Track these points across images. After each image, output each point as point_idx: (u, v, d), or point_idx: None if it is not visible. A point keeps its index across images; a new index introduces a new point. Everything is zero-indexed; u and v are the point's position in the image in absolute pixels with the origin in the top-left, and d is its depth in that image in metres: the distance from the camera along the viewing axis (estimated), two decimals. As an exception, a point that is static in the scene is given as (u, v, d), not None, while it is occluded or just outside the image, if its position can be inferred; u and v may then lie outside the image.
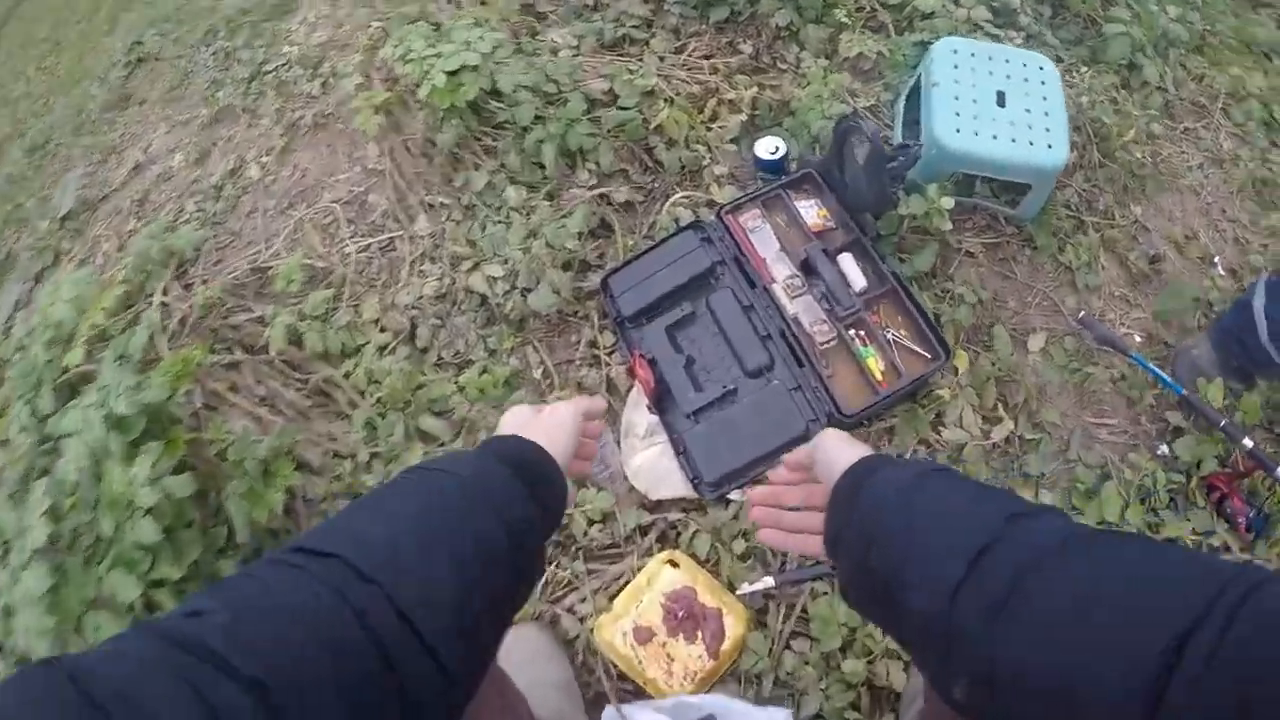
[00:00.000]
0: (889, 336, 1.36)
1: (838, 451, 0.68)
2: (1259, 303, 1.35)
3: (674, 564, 1.23)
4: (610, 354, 1.49)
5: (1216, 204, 1.77)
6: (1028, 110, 1.48)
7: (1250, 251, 1.70)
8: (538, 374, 1.49)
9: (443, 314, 1.59)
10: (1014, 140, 1.44)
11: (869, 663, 1.15)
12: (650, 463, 1.33)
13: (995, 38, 1.76)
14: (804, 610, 1.22)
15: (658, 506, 1.33)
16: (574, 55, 1.77)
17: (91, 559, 1.05)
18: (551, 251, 1.50)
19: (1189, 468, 1.37)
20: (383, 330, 1.56)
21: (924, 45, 1.77)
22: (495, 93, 1.66)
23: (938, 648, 0.50)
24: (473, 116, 1.68)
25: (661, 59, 1.82)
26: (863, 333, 1.36)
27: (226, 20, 2.40)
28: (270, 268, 1.68)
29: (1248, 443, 1.27)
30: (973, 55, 1.53)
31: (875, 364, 1.33)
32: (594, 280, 1.54)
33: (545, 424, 0.72)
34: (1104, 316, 1.57)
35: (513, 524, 0.57)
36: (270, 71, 2.14)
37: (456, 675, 0.48)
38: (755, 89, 1.76)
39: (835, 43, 1.85)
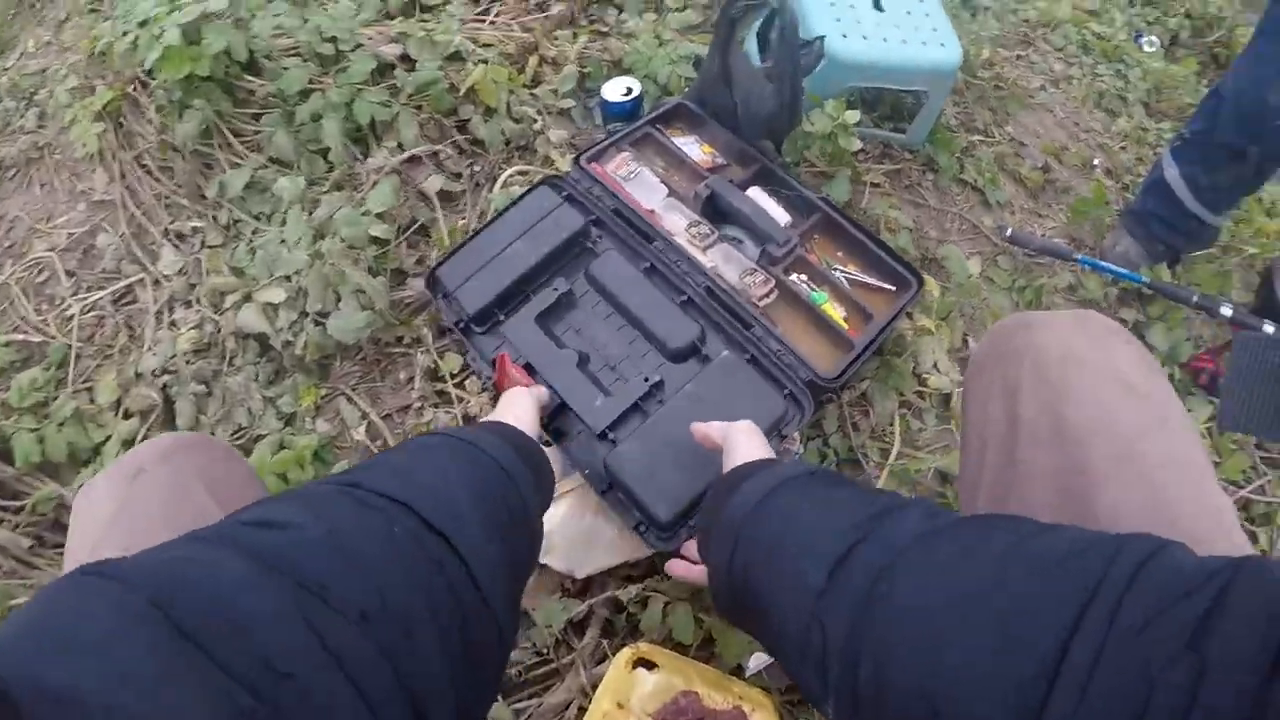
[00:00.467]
0: (839, 274, 1.04)
1: (739, 451, 0.67)
2: (1172, 173, 1.28)
3: (648, 664, 0.79)
4: (462, 382, 1.04)
5: (1070, 118, 1.72)
6: (908, 12, 1.29)
7: (1115, 154, 1.66)
8: (360, 434, 1.00)
9: (208, 374, 1.07)
10: (905, 42, 1.23)
11: None
12: (562, 527, 0.88)
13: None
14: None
15: (588, 587, 0.89)
16: (354, 16, 1.35)
17: None
18: (351, 251, 1.04)
19: (1165, 358, 1.27)
20: (127, 415, 1.07)
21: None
22: (250, 65, 1.20)
23: (809, 662, 0.44)
24: (223, 96, 1.20)
25: (463, 21, 1.45)
26: (805, 275, 1.03)
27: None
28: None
29: (1226, 310, 1.16)
30: (832, -39, 1.32)
31: (834, 309, 1.00)
32: (417, 288, 1.09)
33: (515, 413, 0.70)
34: (1022, 230, 1.41)
35: (530, 505, 0.56)
36: None
37: (507, 630, 0.47)
38: (582, 42, 1.44)
39: (659, -1, 1.60)
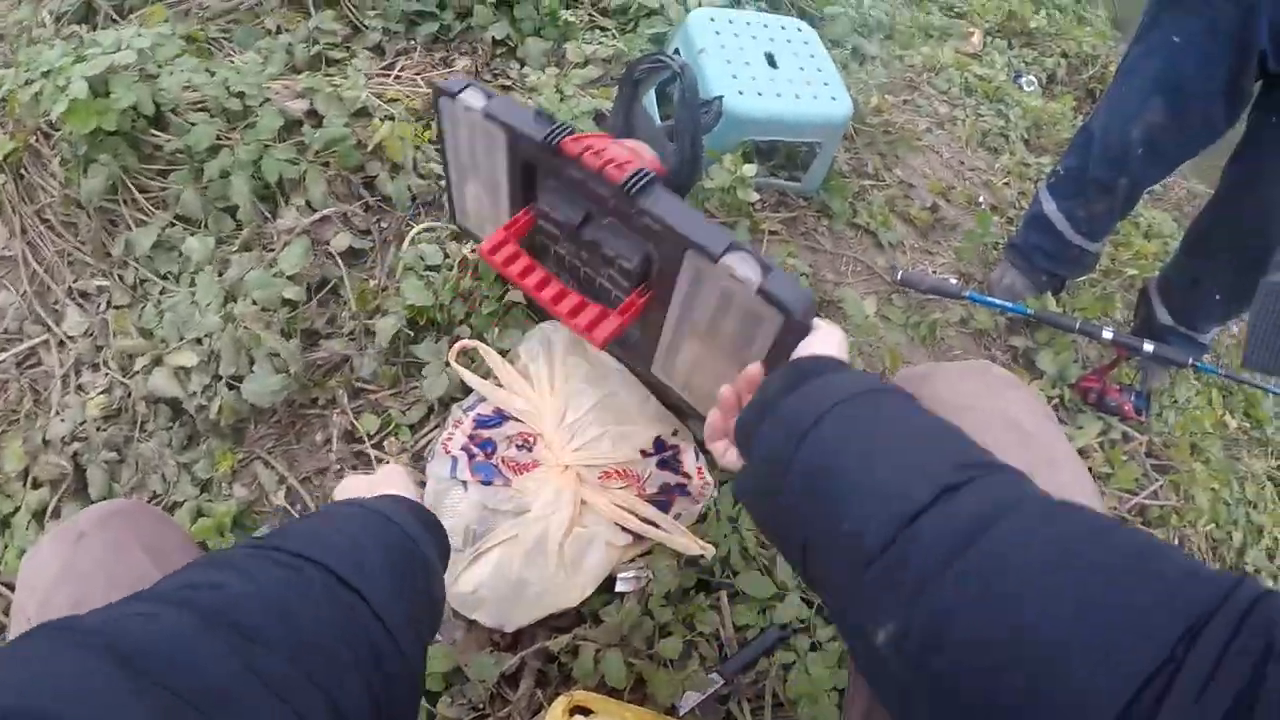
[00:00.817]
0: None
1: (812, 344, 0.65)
2: (1050, 207, 1.41)
3: (583, 710, 0.82)
4: (380, 443, 1.06)
5: (955, 157, 1.88)
6: (800, 68, 1.39)
7: (999, 190, 1.82)
8: (279, 498, 1.01)
9: (119, 441, 1.06)
10: (798, 97, 1.34)
11: None
12: (491, 581, 0.91)
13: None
14: (776, 696, 0.88)
15: (518, 640, 0.92)
16: (261, 70, 1.36)
17: None
18: (264, 314, 1.05)
19: (1054, 380, 1.40)
20: (36, 485, 1.05)
21: (660, 39, 1.66)
22: (158, 120, 1.20)
23: (870, 581, 0.42)
24: (130, 151, 1.19)
25: (369, 76, 1.48)
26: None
27: None
28: None
29: (1107, 334, 1.28)
30: (730, 22, 1.43)
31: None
32: (331, 349, 1.10)
33: (396, 485, 0.70)
34: (913, 269, 1.54)
35: (433, 567, 0.58)
36: None
37: (419, 676, 0.52)
38: (490, 97, 1.49)
39: (561, 52, 1.68)
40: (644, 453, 0.95)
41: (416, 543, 0.57)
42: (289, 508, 1.01)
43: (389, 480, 0.71)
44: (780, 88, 1.34)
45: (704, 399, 0.91)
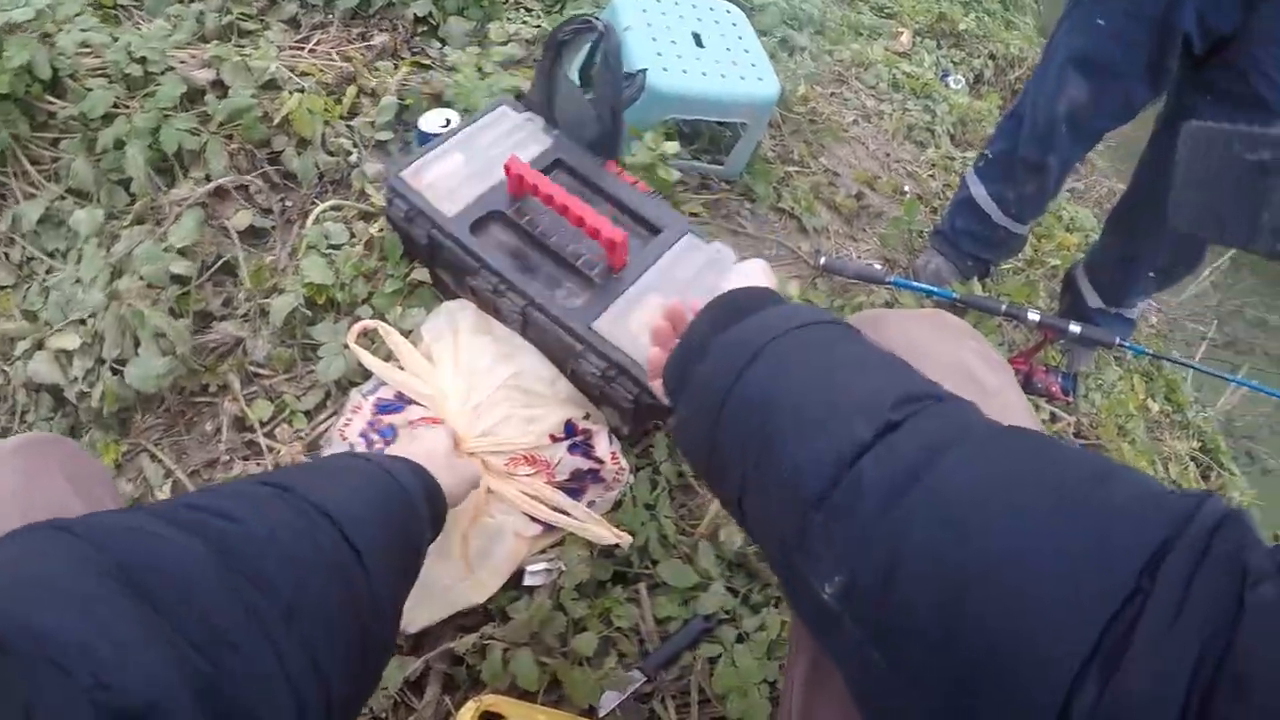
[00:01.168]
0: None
1: (741, 277, 0.62)
2: (979, 191, 1.43)
3: (494, 715, 0.76)
4: (272, 431, 0.98)
5: (881, 149, 1.90)
6: (728, 49, 1.37)
7: (925, 182, 1.84)
8: (166, 493, 0.92)
9: None
10: (724, 76, 1.31)
11: None
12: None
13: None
14: (703, 691, 0.84)
15: (421, 643, 0.85)
16: (167, 36, 1.26)
17: None
18: (150, 290, 0.96)
19: None
20: None
21: (591, 15, 1.63)
22: (54, 85, 1.11)
23: (813, 528, 0.39)
24: (21, 117, 1.10)
25: (281, 49, 1.39)
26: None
27: None
28: None
29: (1034, 316, 1.30)
30: (658, 1, 1.40)
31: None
32: (224, 331, 1.02)
33: (428, 445, 0.75)
34: (838, 254, 1.54)
35: (424, 538, 0.61)
36: None
37: (391, 641, 0.52)
38: (402, 73, 1.43)
39: (484, 31, 1.63)
40: (554, 437, 0.89)
41: (416, 511, 0.58)
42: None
43: (423, 435, 0.76)
44: (706, 67, 1.31)
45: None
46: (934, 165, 1.92)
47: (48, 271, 1.08)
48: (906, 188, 1.78)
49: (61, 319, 1.01)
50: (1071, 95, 1.22)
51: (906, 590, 0.34)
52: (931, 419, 0.40)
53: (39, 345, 0.99)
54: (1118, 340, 1.30)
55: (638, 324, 0.92)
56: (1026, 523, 0.33)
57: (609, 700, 0.81)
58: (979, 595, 0.32)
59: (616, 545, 0.88)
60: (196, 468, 0.95)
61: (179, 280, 1.04)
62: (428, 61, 1.55)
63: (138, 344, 0.96)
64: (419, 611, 0.83)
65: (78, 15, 1.19)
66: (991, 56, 2.54)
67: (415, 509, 0.59)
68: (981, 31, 2.64)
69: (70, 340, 0.97)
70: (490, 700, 0.77)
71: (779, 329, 0.49)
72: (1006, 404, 0.55)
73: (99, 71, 1.15)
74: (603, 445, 0.91)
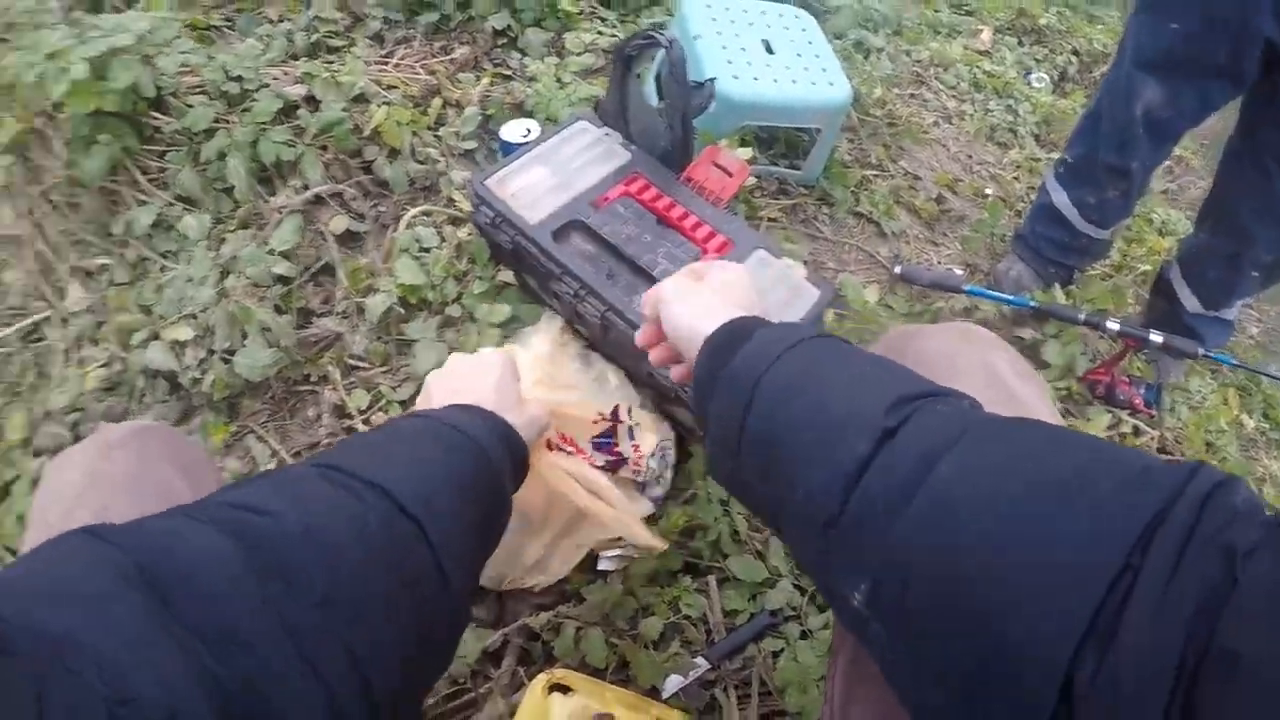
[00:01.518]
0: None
1: (691, 317, 0.59)
2: (1060, 198, 1.41)
3: (563, 688, 0.82)
4: (369, 418, 1.07)
5: (963, 151, 1.89)
6: (798, 55, 1.41)
7: (1007, 184, 1.82)
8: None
9: (117, 412, 1.11)
10: (795, 82, 1.35)
11: None
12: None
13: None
14: (764, 683, 0.88)
15: (501, 617, 0.92)
16: (260, 55, 1.39)
17: None
18: (256, 289, 1.07)
19: (1062, 371, 1.39)
20: (36, 453, 1.09)
21: (659, 28, 1.69)
22: (158, 102, 1.25)
23: (834, 546, 0.42)
24: (130, 132, 1.23)
25: (367, 63, 1.51)
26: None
27: None
28: None
29: (1113, 325, 1.28)
30: (727, 9, 1.45)
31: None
32: (324, 326, 1.12)
33: (492, 382, 0.71)
34: (918, 259, 1.54)
35: (506, 490, 0.61)
36: None
37: (463, 613, 0.52)
38: (485, 83, 1.52)
39: (561, 42, 1.71)
40: (600, 416, 0.94)
41: (490, 461, 0.56)
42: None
43: (485, 368, 0.72)
44: (777, 73, 1.35)
45: None
46: (1018, 167, 1.89)
47: (161, 270, 1.21)
48: (989, 190, 1.76)
49: (175, 313, 1.13)
50: (1146, 98, 1.21)
51: (920, 592, 0.37)
52: (929, 418, 0.42)
53: (155, 336, 1.12)
54: (1201, 352, 1.26)
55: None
56: (1018, 512, 0.35)
57: (672, 684, 0.85)
58: (980, 590, 0.34)
59: (664, 549, 0.90)
60: (299, 449, 1.06)
61: (282, 280, 1.15)
62: (508, 72, 1.64)
63: (245, 336, 1.07)
64: (510, 575, 0.90)
65: (175, 39, 1.31)
66: (1075, 53, 2.47)
67: (489, 461, 0.57)
68: (1064, 26, 2.57)
69: (183, 332, 1.09)
70: (560, 674, 0.83)
71: (767, 360, 0.50)
72: (1036, 415, 0.56)
73: (199, 89, 1.28)
74: (625, 442, 0.95)
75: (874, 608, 0.39)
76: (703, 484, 1.01)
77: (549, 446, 0.89)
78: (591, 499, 0.87)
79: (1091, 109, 1.35)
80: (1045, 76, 2.30)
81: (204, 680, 0.31)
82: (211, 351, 1.05)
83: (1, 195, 1.31)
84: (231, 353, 1.05)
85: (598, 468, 0.91)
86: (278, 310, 1.08)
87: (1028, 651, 0.32)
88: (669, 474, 1.00)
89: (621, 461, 0.95)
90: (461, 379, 0.73)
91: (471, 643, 0.88)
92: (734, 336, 0.55)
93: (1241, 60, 1.12)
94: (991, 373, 0.59)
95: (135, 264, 1.22)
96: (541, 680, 0.82)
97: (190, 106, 1.22)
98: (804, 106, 1.35)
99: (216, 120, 1.24)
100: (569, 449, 0.91)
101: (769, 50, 1.40)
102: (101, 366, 1.11)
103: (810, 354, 0.50)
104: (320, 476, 0.46)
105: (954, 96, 2.07)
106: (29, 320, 1.22)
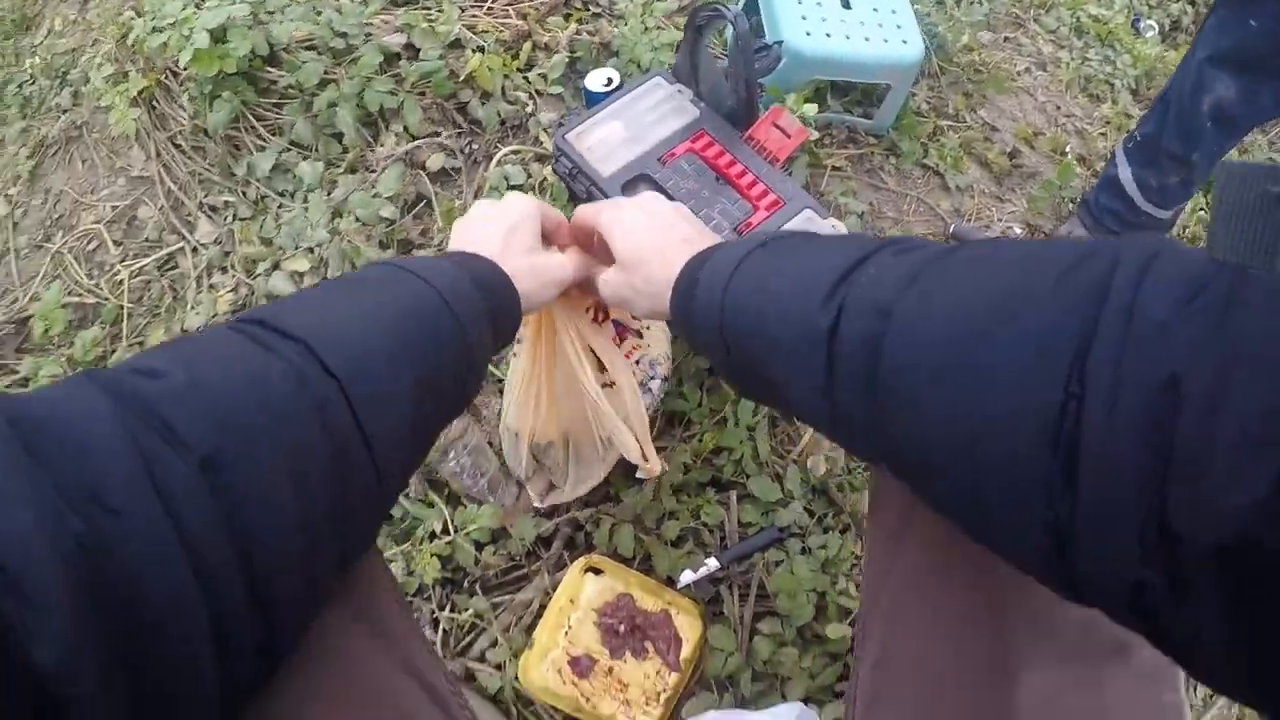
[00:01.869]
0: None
1: (650, 253, 0.65)
2: (1125, 173, 1.43)
3: (596, 571, 1.03)
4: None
5: (1051, 102, 1.88)
6: (875, 9, 1.46)
7: (1093, 140, 1.81)
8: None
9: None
10: (868, 39, 1.41)
11: (849, 624, 1.02)
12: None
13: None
14: (762, 587, 1.06)
15: (554, 510, 1.13)
16: (362, 6, 1.56)
17: None
18: (364, 228, 1.27)
19: None
20: None
21: (716, 6, 1.74)
22: (272, 58, 1.44)
23: (838, 426, 0.46)
24: (248, 87, 1.43)
25: (462, 9, 1.65)
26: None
27: (-40, 48, 1.98)
28: (31, 315, 1.41)
29: None
30: (805, -41, 1.50)
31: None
32: (423, 257, 1.33)
33: (510, 218, 0.69)
34: (980, 215, 1.59)
35: (473, 358, 0.55)
36: (13, 92, 1.82)
37: (390, 481, 0.48)
38: (572, 28, 1.64)
39: (648, -22, 1.79)
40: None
41: (456, 318, 0.52)
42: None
43: (502, 211, 0.70)
44: (850, 29, 1.42)
45: None
46: (1107, 123, 1.87)
47: (279, 208, 1.42)
48: (1069, 147, 1.77)
49: (292, 247, 1.34)
50: (1219, 93, 1.23)
51: (911, 447, 0.40)
52: (857, 299, 0.43)
53: (276, 266, 1.33)
54: None
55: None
56: (964, 362, 0.36)
57: (685, 577, 1.04)
58: (954, 464, 0.37)
59: (648, 470, 0.95)
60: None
61: (385, 219, 1.35)
62: (598, 9, 1.75)
63: (353, 265, 1.28)
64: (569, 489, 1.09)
65: (286, 7, 1.46)
66: (1191, 1, 2.33)
67: (449, 313, 0.52)
68: (1180, -31, 2.41)
69: (302, 264, 1.30)
70: (595, 559, 1.03)
71: (728, 268, 0.54)
72: None
73: (308, 45, 1.45)
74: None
75: (886, 458, 0.44)
76: (731, 410, 1.17)
77: (596, 316, 0.93)
78: (599, 396, 0.86)
79: (1165, 90, 1.36)
80: (1155, 24, 2.20)
81: (59, 541, 0.29)
82: (325, 279, 1.27)
83: (132, 140, 1.55)
84: (343, 279, 1.27)
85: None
86: (381, 245, 1.29)
87: (1008, 502, 0.34)
88: (656, 388, 1.07)
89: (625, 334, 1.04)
90: (475, 223, 0.70)
91: (528, 528, 1.09)
92: (694, 269, 0.59)
93: None
94: None
95: (256, 201, 1.44)
96: (580, 562, 1.03)
97: (302, 63, 1.40)
98: (875, 64, 1.41)
99: (326, 73, 1.41)
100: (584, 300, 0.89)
101: (846, 5, 1.46)
102: (230, 291, 1.35)
103: (756, 260, 0.54)
104: (237, 332, 0.43)
105: (1052, 41, 2.03)
106: (164, 251, 1.45)
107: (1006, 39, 1.99)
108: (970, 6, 1.94)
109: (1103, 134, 1.84)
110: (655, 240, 0.66)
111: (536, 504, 1.08)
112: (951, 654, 0.51)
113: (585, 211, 0.74)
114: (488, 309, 0.58)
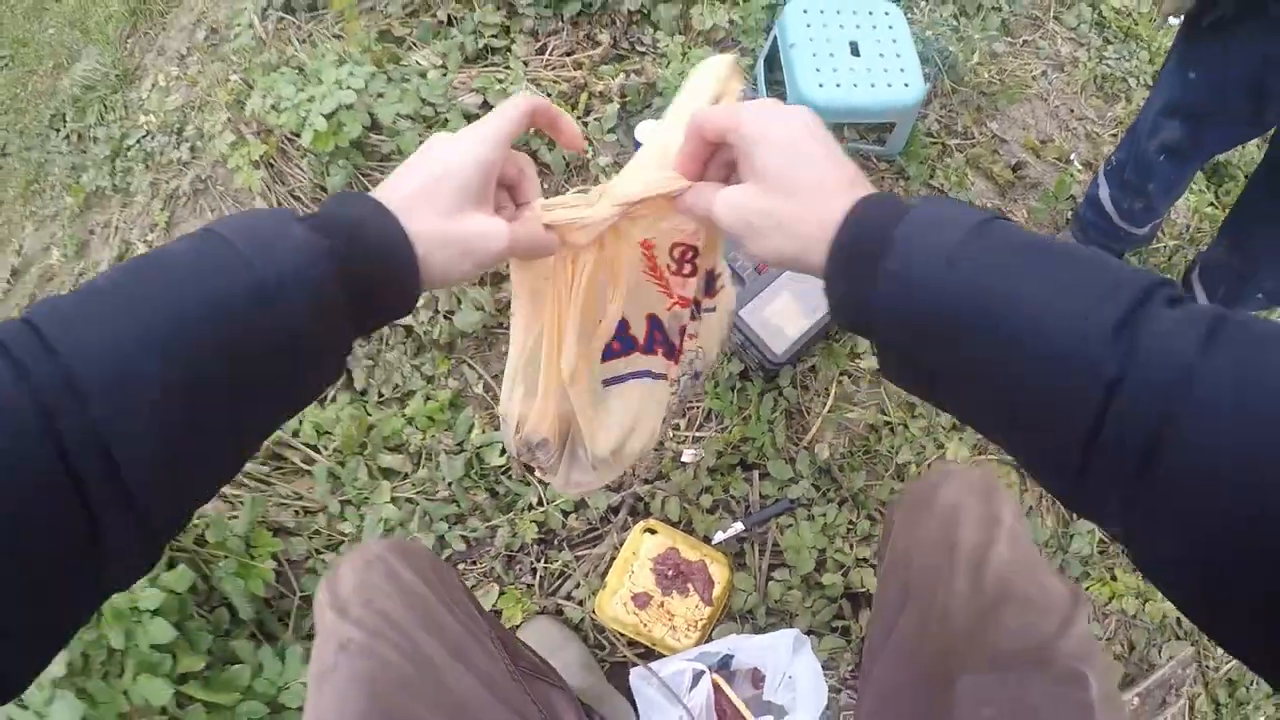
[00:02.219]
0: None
1: (809, 181, 0.51)
2: (1104, 193, 1.65)
3: (652, 531, 1.42)
4: (547, 355, 1.67)
5: (1064, 105, 2.07)
6: (881, 55, 1.73)
7: (1102, 144, 2.01)
8: (479, 389, 1.65)
9: (373, 354, 1.72)
10: (873, 85, 1.69)
11: (843, 575, 1.38)
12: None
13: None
14: (775, 544, 1.43)
15: (621, 484, 1.52)
16: (442, 74, 1.93)
17: (110, 673, 1.09)
18: (469, 270, 1.67)
19: None
20: None
21: (772, 7, 2.00)
22: (375, 127, 1.82)
23: (1067, 425, 0.40)
24: (358, 154, 1.83)
25: (526, 64, 1.99)
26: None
27: (72, 100, 2.42)
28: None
29: None
30: (821, 12, 1.77)
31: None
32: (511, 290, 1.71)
33: (420, 188, 0.54)
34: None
35: (303, 336, 0.45)
36: (132, 145, 2.17)
37: (158, 533, 0.43)
38: (622, 76, 1.96)
39: (688, 18, 2.07)
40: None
41: (274, 302, 0.43)
42: (484, 395, 1.65)
43: (438, 148, 0.57)
44: (858, 77, 1.69)
45: None
46: (1119, 124, 2.03)
47: None
48: (1074, 155, 1.97)
49: None
50: (1165, 138, 1.40)
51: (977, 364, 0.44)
52: (1154, 351, 0.39)
53: None
54: None
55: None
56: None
57: (718, 536, 1.42)
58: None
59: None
60: (497, 373, 1.67)
61: (482, 265, 1.73)
62: (643, 49, 2.05)
63: (459, 302, 1.67)
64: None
65: (380, 96, 1.79)
66: None
67: (263, 296, 0.43)
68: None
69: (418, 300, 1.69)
70: (651, 523, 1.42)
71: (942, 250, 0.45)
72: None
73: (405, 115, 1.81)
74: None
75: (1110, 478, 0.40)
76: (754, 408, 1.52)
77: (682, 265, 0.75)
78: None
79: (1136, 121, 1.52)
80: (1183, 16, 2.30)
81: None
82: (437, 311, 1.67)
83: (254, 193, 1.87)
84: (451, 312, 1.66)
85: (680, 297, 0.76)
86: (481, 283, 1.68)
87: (1070, 391, 0.40)
88: (694, 382, 0.93)
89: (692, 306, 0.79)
90: (406, 166, 0.57)
91: (601, 500, 1.48)
92: (878, 220, 0.48)
93: (1263, 110, 1.25)
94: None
95: (367, 249, 1.84)
96: (640, 525, 1.42)
97: (400, 131, 1.78)
98: (879, 108, 1.68)
99: (419, 139, 1.79)
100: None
101: (855, 53, 1.72)
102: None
103: (993, 252, 0.44)
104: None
105: (1071, 40, 2.18)
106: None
107: (1025, 42, 2.17)
108: (985, 19, 2.14)
109: (1113, 135, 2.01)
110: (817, 169, 0.52)
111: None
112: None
113: (717, 115, 0.56)
114: (349, 286, 0.47)
